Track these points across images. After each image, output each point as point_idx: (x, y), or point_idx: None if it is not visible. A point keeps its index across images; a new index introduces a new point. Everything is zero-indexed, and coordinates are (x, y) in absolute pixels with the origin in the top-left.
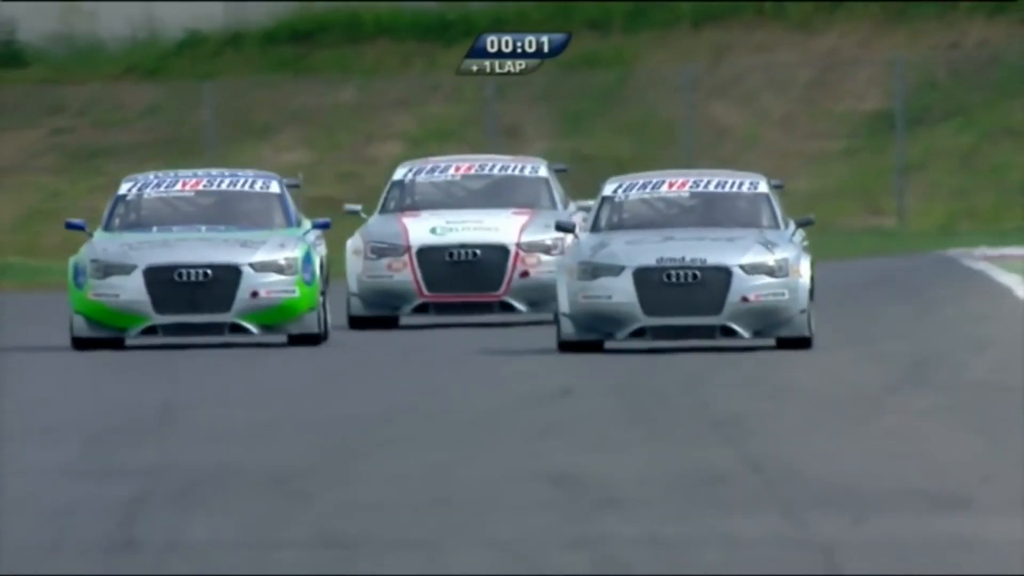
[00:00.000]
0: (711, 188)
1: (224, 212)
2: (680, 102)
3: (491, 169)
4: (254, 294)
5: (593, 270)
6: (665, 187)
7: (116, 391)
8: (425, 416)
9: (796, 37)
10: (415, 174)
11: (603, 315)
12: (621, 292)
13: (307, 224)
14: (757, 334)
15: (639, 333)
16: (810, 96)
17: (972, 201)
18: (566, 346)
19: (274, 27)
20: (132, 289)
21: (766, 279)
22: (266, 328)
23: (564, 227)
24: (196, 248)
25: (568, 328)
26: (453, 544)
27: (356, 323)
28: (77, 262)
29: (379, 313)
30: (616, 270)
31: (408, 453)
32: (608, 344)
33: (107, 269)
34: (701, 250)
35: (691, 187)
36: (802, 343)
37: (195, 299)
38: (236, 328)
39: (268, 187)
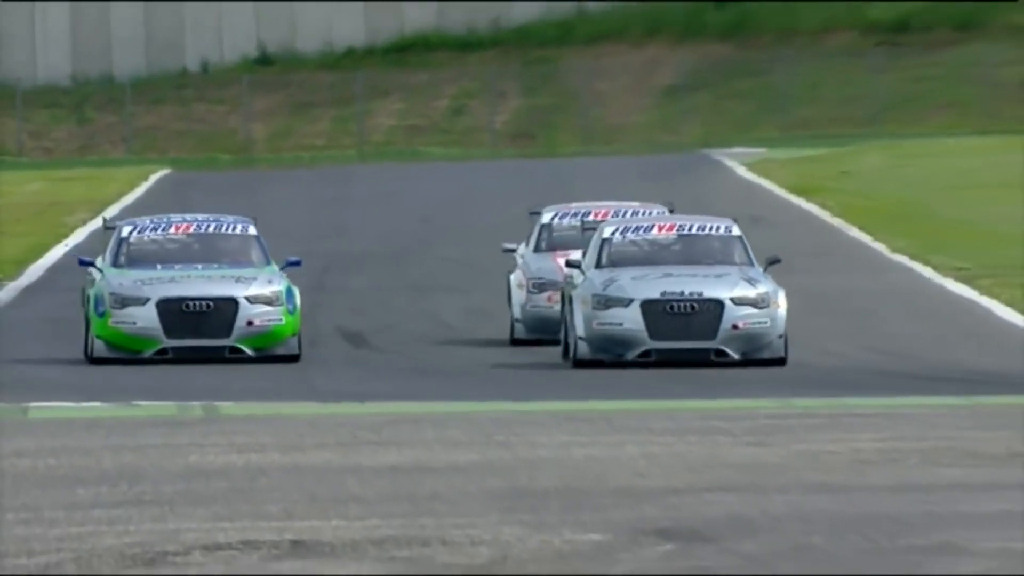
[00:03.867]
0: (693, 231)
1: (211, 251)
2: (578, 83)
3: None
4: (249, 323)
5: (605, 301)
6: (655, 230)
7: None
8: None
9: (634, 52)
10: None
11: (615, 339)
12: (630, 320)
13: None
14: (744, 355)
15: (645, 355)
16: (644, 78)
17: (719, 127)
18: (581, 363)
19: (388, 46)
20: (146, 318)
21: (751, 310)
22: (258, 350)
23: (573, 264)
24: (200, 284)
25: (584, 349)
26: None
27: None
28: (96, 294)
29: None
30: (626, 302)
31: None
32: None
33: (124, 301)
34: (697, 285)
35: (677, 230)
36: (779, 363)
37: (200, 326)
38: (234, 350)
39: (246, 230)
